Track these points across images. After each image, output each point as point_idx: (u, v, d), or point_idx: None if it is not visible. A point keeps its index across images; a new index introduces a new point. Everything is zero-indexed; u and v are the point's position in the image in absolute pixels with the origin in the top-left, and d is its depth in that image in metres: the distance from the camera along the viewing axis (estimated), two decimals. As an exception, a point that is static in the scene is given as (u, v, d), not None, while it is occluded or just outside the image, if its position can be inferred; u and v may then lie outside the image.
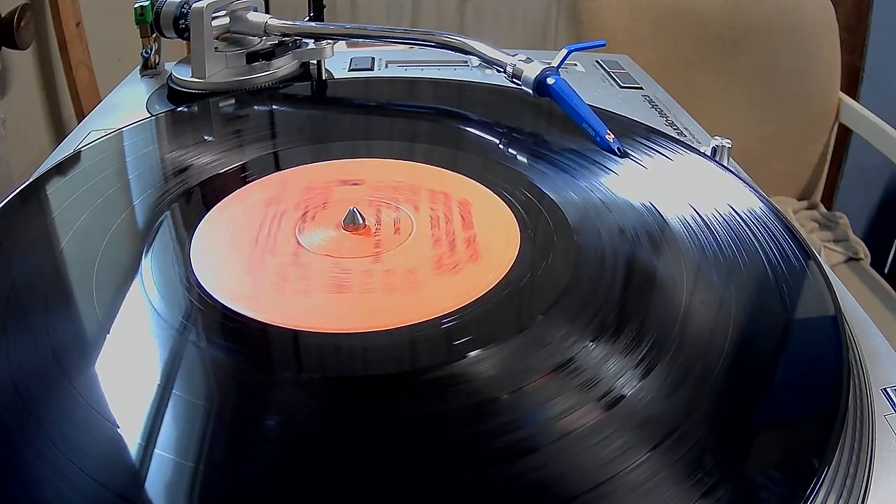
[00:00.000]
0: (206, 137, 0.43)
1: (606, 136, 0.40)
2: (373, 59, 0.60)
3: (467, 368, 0.25)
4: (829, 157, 1.02)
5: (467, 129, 0.45)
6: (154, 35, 0.55)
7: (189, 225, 0.34)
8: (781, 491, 0.21)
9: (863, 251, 0.94)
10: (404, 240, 0.33)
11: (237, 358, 0.27)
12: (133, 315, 0.28)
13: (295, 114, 0.49)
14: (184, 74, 0.50)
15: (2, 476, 0.21)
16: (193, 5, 0.49)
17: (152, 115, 0.47)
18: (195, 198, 0.36)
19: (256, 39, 0.52)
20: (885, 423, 0.26)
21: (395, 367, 0.27)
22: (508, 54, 0.45)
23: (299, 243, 0.33)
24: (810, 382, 0.25)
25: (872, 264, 0.95)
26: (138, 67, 0.57)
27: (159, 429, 0.23)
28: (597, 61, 0.63)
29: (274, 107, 0.48)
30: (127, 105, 0.51)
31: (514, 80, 0.44)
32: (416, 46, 0.51)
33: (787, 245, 0.32)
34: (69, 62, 0.87)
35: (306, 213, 0.35)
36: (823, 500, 0.21)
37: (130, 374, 0.25)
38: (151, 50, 0.56)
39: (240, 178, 0.38)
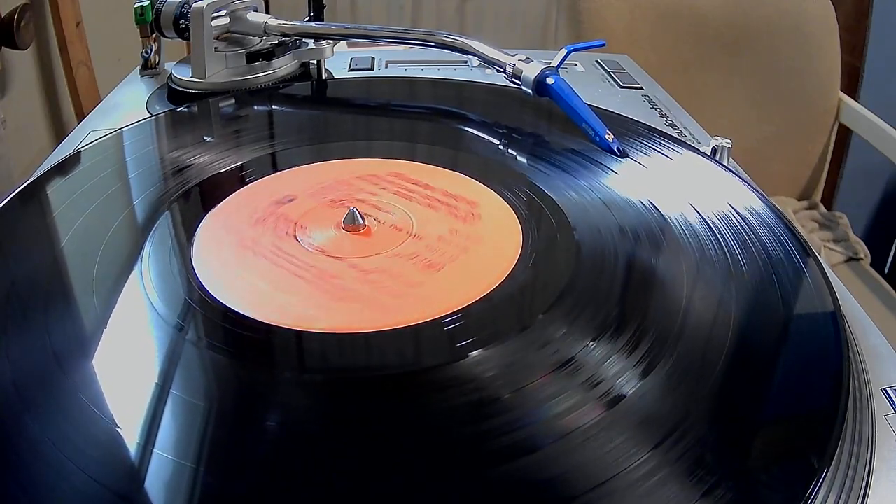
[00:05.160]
0: (205, 137, 0.43)
1: (606, 137, 0.40)
2: (373, 59, 0.60)
3: (468, 368, 0.25)
4: (829, 157, 1.02)
5: (467, 129, 0.45)
6: (154, 35, 0.55)
7: (189, 225, 0.34)
8: (782, 490, 0.21)
9: (863, 251, 0.94)
10: (412, 223, 0.34)
11: (237, 358, 0.26)
12: (133, 315, 0.28)
13: (295, 114, 0.49)
14: (184, 74, 0.50)
15: (1, 476, 0.21)
16: (193, 5, 0.49)
17: (152, 115, 0.47)
18: (195, 198, 0.36)
19: (256, 39, 0.52)
20: (885, 423, 0.26)
21: (396, 368, 0.27)
22: (508, 54, 0.45)
23: (299, 242, 0.32)
24: (810, 382, 0.25)
25: (872, 264, 0.95)
26: (138, 67, 0.57)
27: (158, 429, 0.23)
28: (597, 61, 0.63)
29: (274, 107, 0.48)
30: (127, 105, 0.51)
31: (514, 80, 0.44)
32: (416, 46, 0.51)
33: (787, 245, 0.32)
34: (69, 62, 0.87)
35: (287, 232, 0.33)
36: (823, 500, 0.21)
37: (130, 374, 0.25)
38: (151, 50, 0.56)
39: (239, 177, 0.38)
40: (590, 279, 0.30)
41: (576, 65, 0.62)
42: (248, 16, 0.51)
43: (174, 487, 0.21)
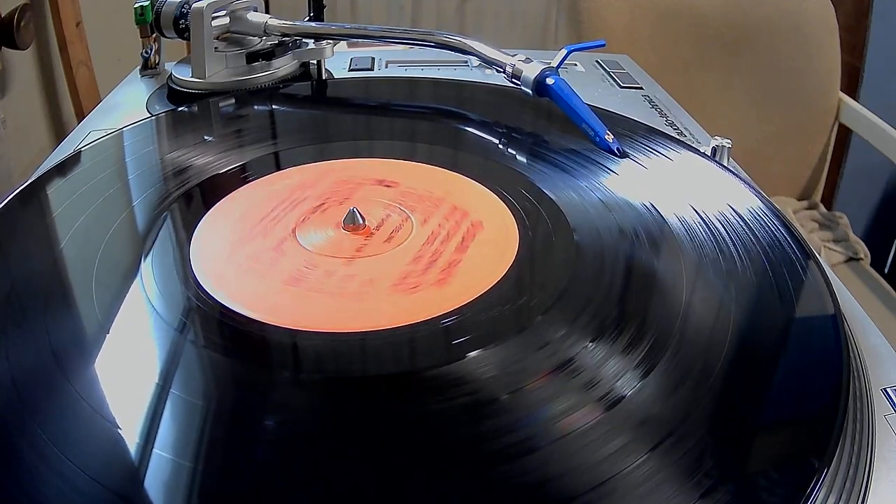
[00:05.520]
0: (206, 137, 0.43)
1: (606, 137, 0.40)
2: (373, 59, 0.60)
3: (467, 368, 0.25)
4: (829, 157, 1.02)
5: (467, 129, 0.45)
6: (154, 35, 0.55)
7: (189, 225, 0.34)
8: (781, 491, 0.21)
9: (863, 251, 0.94)
10: (388, 249, 0.32)
11: (236, 358, 0.27)
12: (132, 315, 0.28)
13: (295, 114, 0.49)
14: (184, 74, 0.50)
15: (1, 476, 0.21)
16: (193, 5, 0.49)
17: (152, 115, 0.47)
18: (195, 198, 0.36)
19: (256, 39, 0.52)
20: (885, 423, 0.26)
21: (394, 368, 0.27)
22: (508, 54, 0.45)
23: (298, 241, 0.33)
24: (810, 382, 0.25)
25: (872, 264, 0.95)
26: (138, 67, 0.57)
27: (158, 428, 0.23)
28: (597, 61, 0.63)
29: (274, 107, 0.48)
30: (127, 105, 0.51)
31: (514, 80, 0.44)
32: (416, 46, 0.51)
33: (787, 245, 0.32)
34: (69, 62, 0.87)
35: (288, 231, 0.34)
36: (823, 500, 0.21)
37: (130, 374, 0.25)
38: (151, 50, 0.56)
39: (240, 178, 0.38)
40: (589, 280, 0.30)
41: (576, 65, 0.62)
42: (248, 16, 0.51)
43: (173, 487, 0.21)
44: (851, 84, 1.09)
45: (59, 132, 0.90)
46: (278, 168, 0.39)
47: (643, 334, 0.27)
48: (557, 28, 0.99)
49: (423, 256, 0.32)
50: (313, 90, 0.51)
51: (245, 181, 0.37)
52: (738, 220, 0.34)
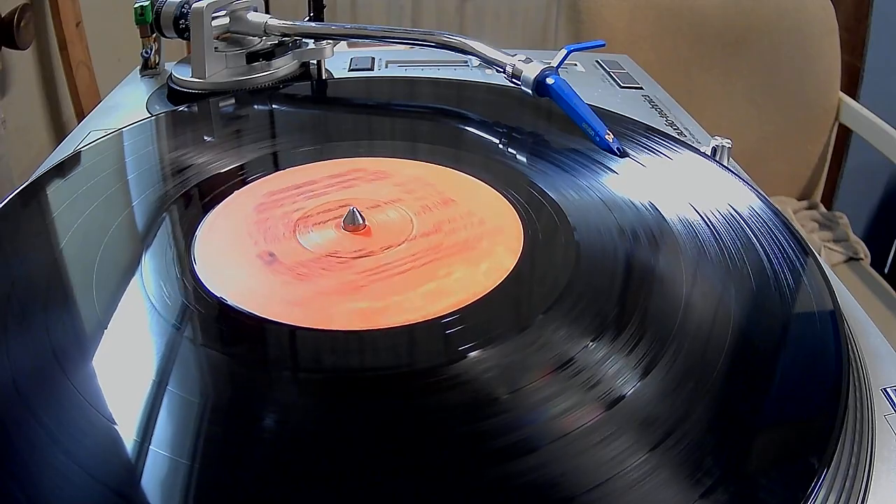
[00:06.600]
0: (206, 137, 0.43)
1: (606, 136, 0.40)
2: (373, 59, 0.60)
3: (467, 368, 0.25)
4: (829, 157, 1.02)
5: (468, 128, 0.45)
6: (154, 35, 0.55)
7: (189, 224, 0.34)
8: (781, 491, 0.21)
9: (863, 251, 0.94)
10: (389, 248, 0.32)
11: (234, 355, 0.26)
12: (132, 314, 0.28)
13: (295, 114, 0.49)
14: (184, 74, 0.50)
15: None
16: (193, 5, 0.49)
17: (152, 115, 0.47)
18: (195, 197, 0.36)
19: (256, 39, 0.52)
20: (885, 423, 0.26)
21: (394, 367, 0.27)
22: (508, 54, 0.45)
23: (298, 241, 0.33)
24: (810, 382, 0.25)
25: (872, 264, 0.95)
26: (138, 67, 0.57)
27: (155, 426, 0.23)
28: (597, 61, 0.63)
29: (274, 107, 0.48)
30: (127, 105, 0.51)
31: (514, 80, 0.44)
32: (416, 46, 0.51)
33: (787, 245, 0.32)
34: (69, 62, 0.87)
35: (318, 207, 0.35)
36: (823, 500, 0.21)
37: (129, 372, 0.25)
38: (151, 50, 0.56)
39: (240, 178, 0.38)
40: (589, 279, 0.30)
41: (576, 65, 0.62)
42: (248, 16, 0.51)
43: (170, 484, 0.21)
44: (851, 84, 1.09)
45: (59, 132, 0.90)
46: (278, 168, 0.39)
47: (643, 334, 0.27)
48: (557, 28, 0.99)
49: (424, 256, 0.32)
50: (313, 90, 0.51)
51: (245, 181, 0.37)
52: (739, 220, 0.34)
